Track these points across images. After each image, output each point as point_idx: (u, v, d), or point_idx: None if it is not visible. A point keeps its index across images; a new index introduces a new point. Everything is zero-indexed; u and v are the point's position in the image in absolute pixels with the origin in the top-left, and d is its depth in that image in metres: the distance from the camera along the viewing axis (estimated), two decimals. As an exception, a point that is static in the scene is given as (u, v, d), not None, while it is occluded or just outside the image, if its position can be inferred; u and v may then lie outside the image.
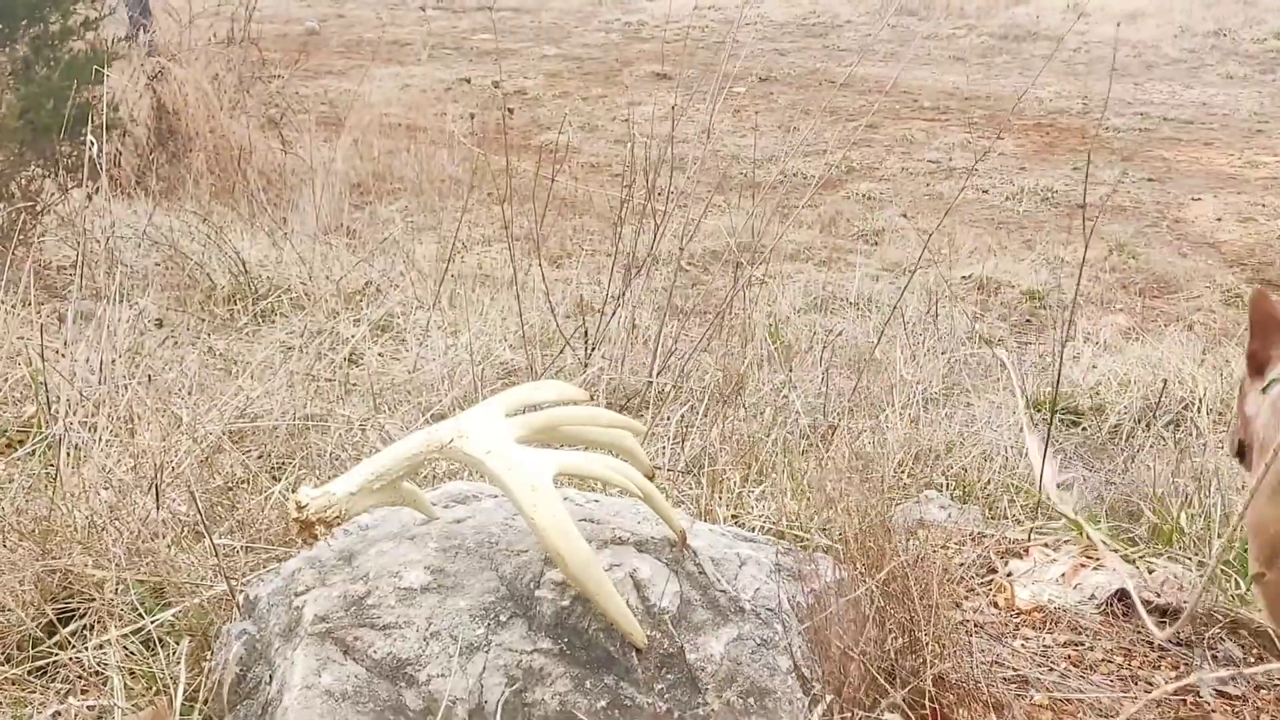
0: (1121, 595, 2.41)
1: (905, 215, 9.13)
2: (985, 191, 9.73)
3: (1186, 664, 2.21)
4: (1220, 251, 8.53)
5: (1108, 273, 8.31)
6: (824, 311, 7.09)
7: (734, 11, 14.08)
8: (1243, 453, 1.99)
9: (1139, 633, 2.30)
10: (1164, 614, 2.38)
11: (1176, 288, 7.92)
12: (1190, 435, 3.77)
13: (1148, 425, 4.03)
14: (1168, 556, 2.60)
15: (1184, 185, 9.52)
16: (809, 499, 2.60)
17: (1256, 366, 1.97)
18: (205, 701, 1.54)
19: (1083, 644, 2.24)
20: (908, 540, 2.46)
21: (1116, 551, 2.60)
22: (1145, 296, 7.91)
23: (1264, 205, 8.96)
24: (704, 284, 7.03)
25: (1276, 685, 2.10)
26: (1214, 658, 2.25)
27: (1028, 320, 7.50)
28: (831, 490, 2.41)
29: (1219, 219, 8.94)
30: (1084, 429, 4.29)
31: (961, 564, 2.56)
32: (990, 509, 2.97)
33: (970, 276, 8.01)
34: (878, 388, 4.34)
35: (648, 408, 3.58)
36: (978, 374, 5.53)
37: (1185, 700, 2.02)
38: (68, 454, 2.23)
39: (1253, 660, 2.22)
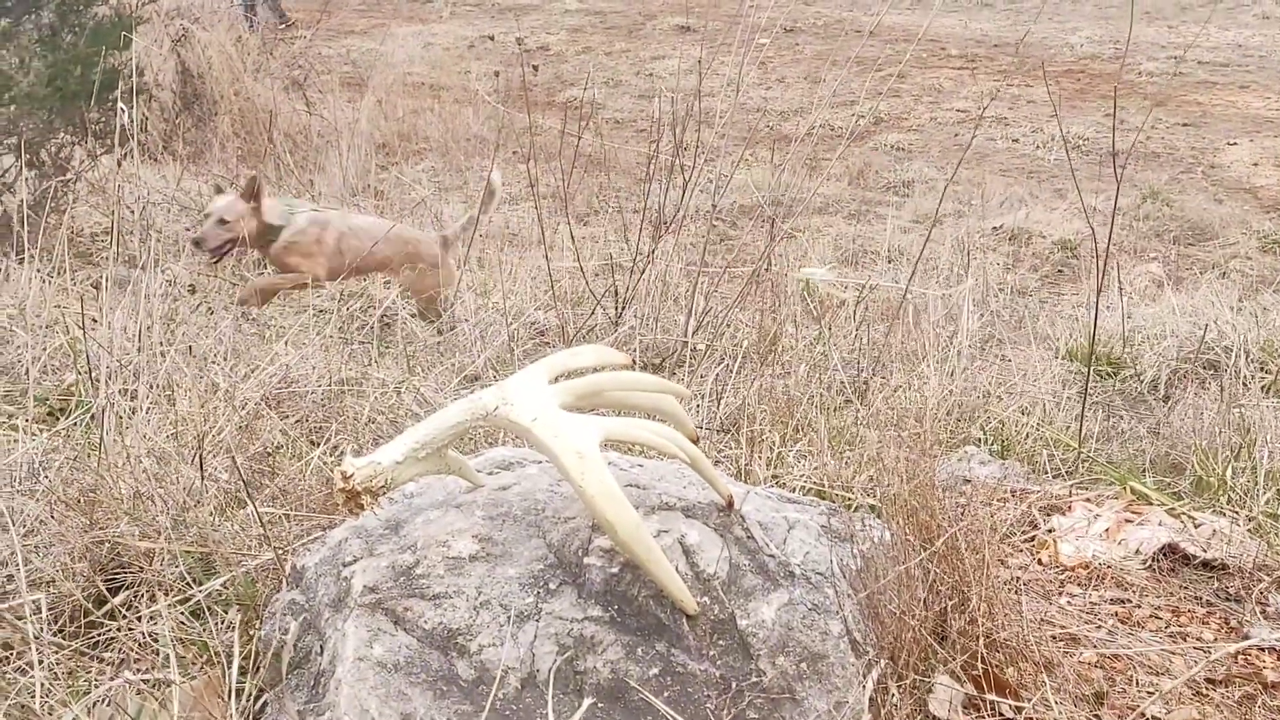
0: (1168, 550, 2.39)
1: (939, 168, 9.02)
2: (1015, 140, 9.61)
3: (1236, 619, 2.19)
4: (1257, 197, 8.38)
5: (1141, 221, 8.19)
6: (855, 265, 7.04)
7: (757, -39, 13.89)
8: None
9: (1186, 588, 2.28)
10: (1210, 568, 2.36)
11: (1212, 235, 7.80)
12: (1233, 385, 3.71)
13: (1185, 375, 3.98)
14: (1213, 510, 2.57)
15: (1219, 130, 9.36)
16: (848, 458, 2.58)
17: None
18: (256, 672, 1.54)
19: (1129, 600, 2.22)
20: (954, 499, 2.45)
21: (1161, 505, 2.58)
22: (1180, 244, 7.80)
23: (1314, 145, 8.80)
24: (733, 239, 6.98)
25: (1330, 641, 2.08)
26: (1264, 613, 2.22)
27: (1060, 270, 7.43)
28: (876, 447, 2.39)
29: (1255, 164, 8.79)
30: (1121, 380, 4.24)
31: (1005, 521, 2.54)
32: (1030, 463, 2.94)
33: (1001, 227, 7.93)
34: (912, 342, 4.30)
35: (682, 367, 3.56)
36: (1011, 325, 5.49)
37: (1237, 658, 2.00)
38: (111, 423, 2.24)
39: (1304, 615, 2.19)
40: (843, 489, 2.38)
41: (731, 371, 3.35)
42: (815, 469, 2.49)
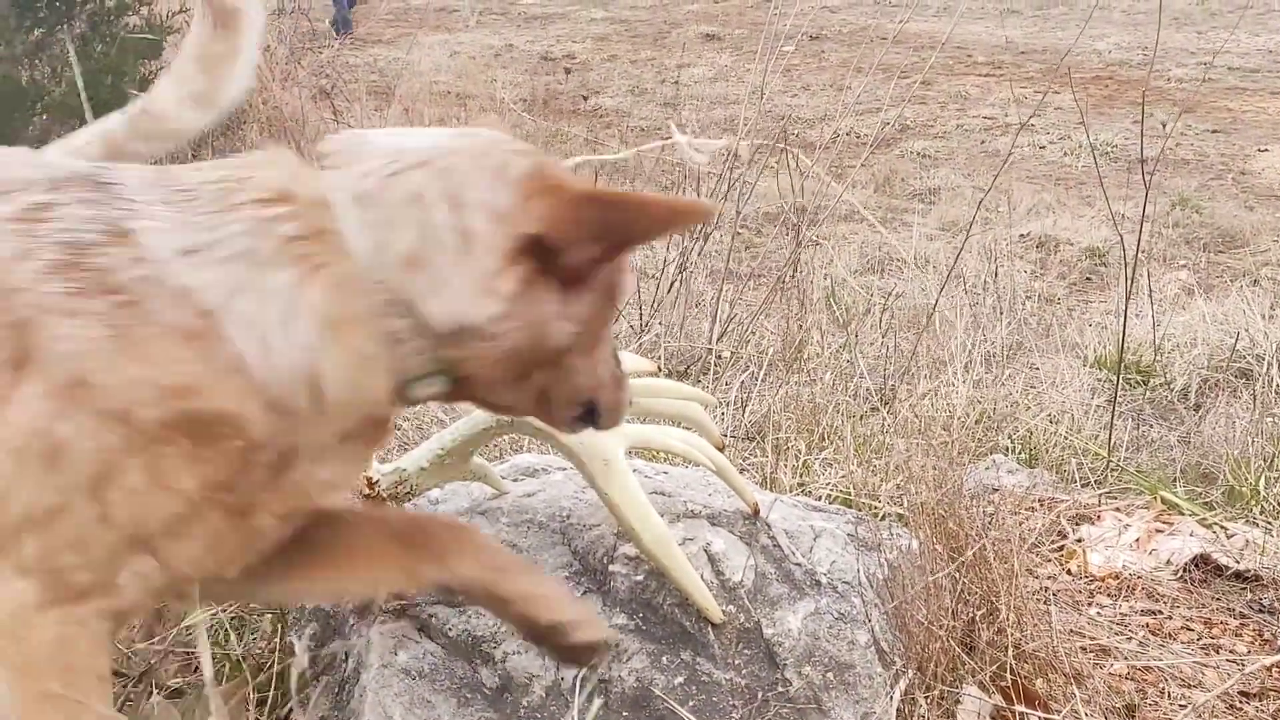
0: (1199, 561, 2.36)
1: (965, 175, 8.98)
2: (1042, 148, 9.54)
3: (1271, 632, 2.15)
4: (1290, 202, 8.30)
5: (1170, 228, 8.11)
6: (881, 273, 7.01)
7: (782, -32, 13.89)
8: None
9: (1219, 600, 2.25)
10: (1243, 579, 2.33)
11: (1243, 242, 7.71)
12: (1265, 393, 3.67)
13: (1216, 384, 3.93)
14: (1246, 520, 2.54)
15: (1250, 136, 9.27)
16: (874, 466, 2.57)
17: None
18: (282, 678, 1.55)
19: (1160, 612, 2.19)
20: (982, 508, 2.43)
21: (1193, 515, 2.55)
22: (1210, 251, 7.72)
23: (1335, 152, 8.70)
24: (757, 247, 6.97)
25: (1365, 654, 2.05)
26: (1302, 627, 2.19)
27: (1088, 278, 7.36)
28: (903, 456, 2.37)
29: (1289, 169, 8.70)
30: (1151, 388, 4.20)
31: (1034, 530, 2.52)
32: (1058, 472, 2.91)
33: (1028, 234, 7.88)
34: (941, 350, 4.28)
35: (707, 374, 3.55)
36: (1039, 333, 5.44)
37: (1271, 671, 1.97)
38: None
39: (1339, 627, 2.16)
40: (869, 497, 2.36)
41: (757, 379, 3.34)
42: (842, 477, 2.48)
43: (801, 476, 2.56)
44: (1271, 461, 2.77)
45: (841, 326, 4.90)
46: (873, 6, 13.66)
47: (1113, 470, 2.87)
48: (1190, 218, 8.15)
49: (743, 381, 3.27)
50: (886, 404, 3.38)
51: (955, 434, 2.94)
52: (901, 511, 2.26)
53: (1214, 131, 9.42)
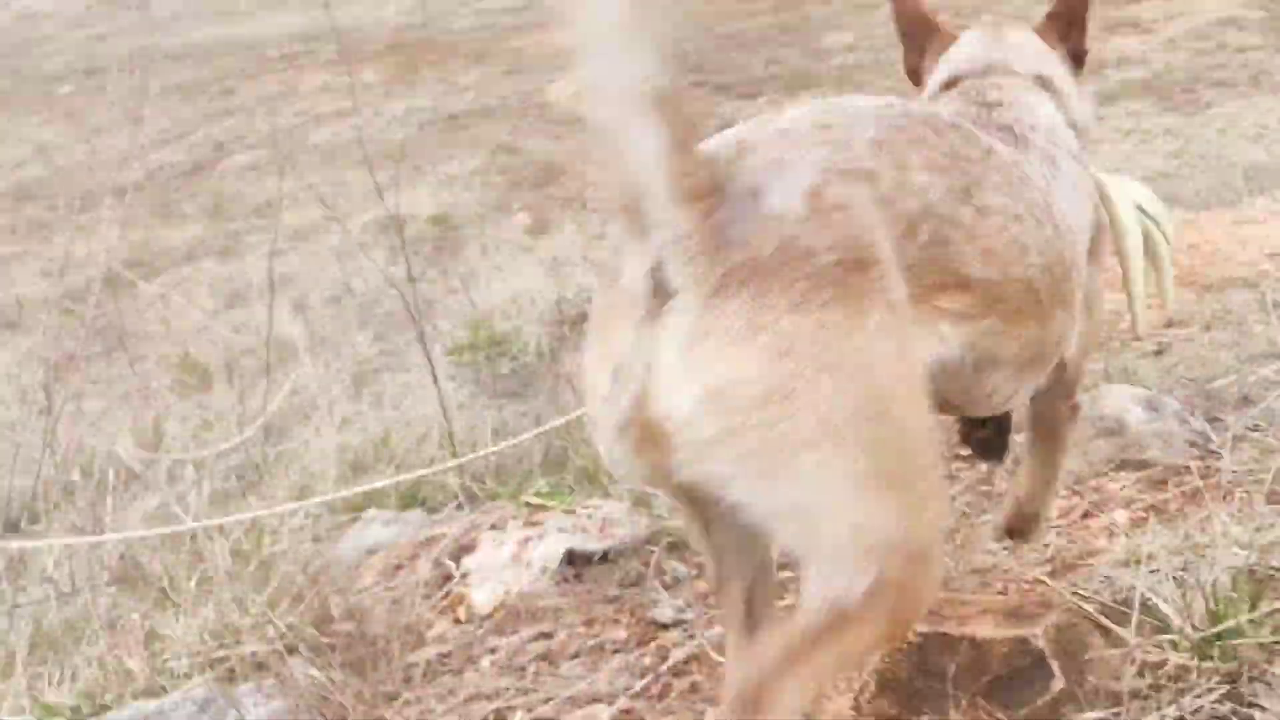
0: (570, 557, 2.42)
1: (298, 177, 8.74)
2: (360, 128, 9.55)
3: (638, 602, 2.26)
4: (587, 123, 9.01)
5: (498, 176, 8.49)
6: (244, 305, 6.65)
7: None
8: None
9: (592, 591, 2.33)
10: (607, 558, 2.42)
11: (562, 172, 8.27)
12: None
13: (562, 340, 4.12)
14: (602, 496, 2.65)
15: (540, 71, 9.90)
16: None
17: (916, 79, 1.90)
18: None
19: (550, 633, 2.21)
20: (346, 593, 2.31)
21: (554, 507, 2.61)
22: (538, 188, 8.21)
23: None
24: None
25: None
26: (664, 584, 2.32)
27: (438, 248, 7.51)
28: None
29: (576, 93, 9.43)
30: (511, 358, 4.30)
31: (417, 585, 2.44)
32: (428, 507, 2.87)
33: (373, 221, 7.86)
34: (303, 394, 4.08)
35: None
36: (407, 330, 5.42)
37: (652, 664, 2.05)
38: None
39: (695, 574, 2.31)
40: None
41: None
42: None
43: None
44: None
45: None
46: (146, 23, 12.78)
47: (476, 481, 2.88)
48: (514, 161, 8.60)
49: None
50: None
51: (316, 511, 2.78)
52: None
53: (508, 73, 9.99)
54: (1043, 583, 1.88)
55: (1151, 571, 1.68)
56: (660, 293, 1.15)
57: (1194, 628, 1.56)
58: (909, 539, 1.16)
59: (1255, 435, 2.19)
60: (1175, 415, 2.24)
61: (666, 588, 2.30)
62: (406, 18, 11.51)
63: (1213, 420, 2.27)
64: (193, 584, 2.19)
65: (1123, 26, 8.47)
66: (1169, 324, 2.86)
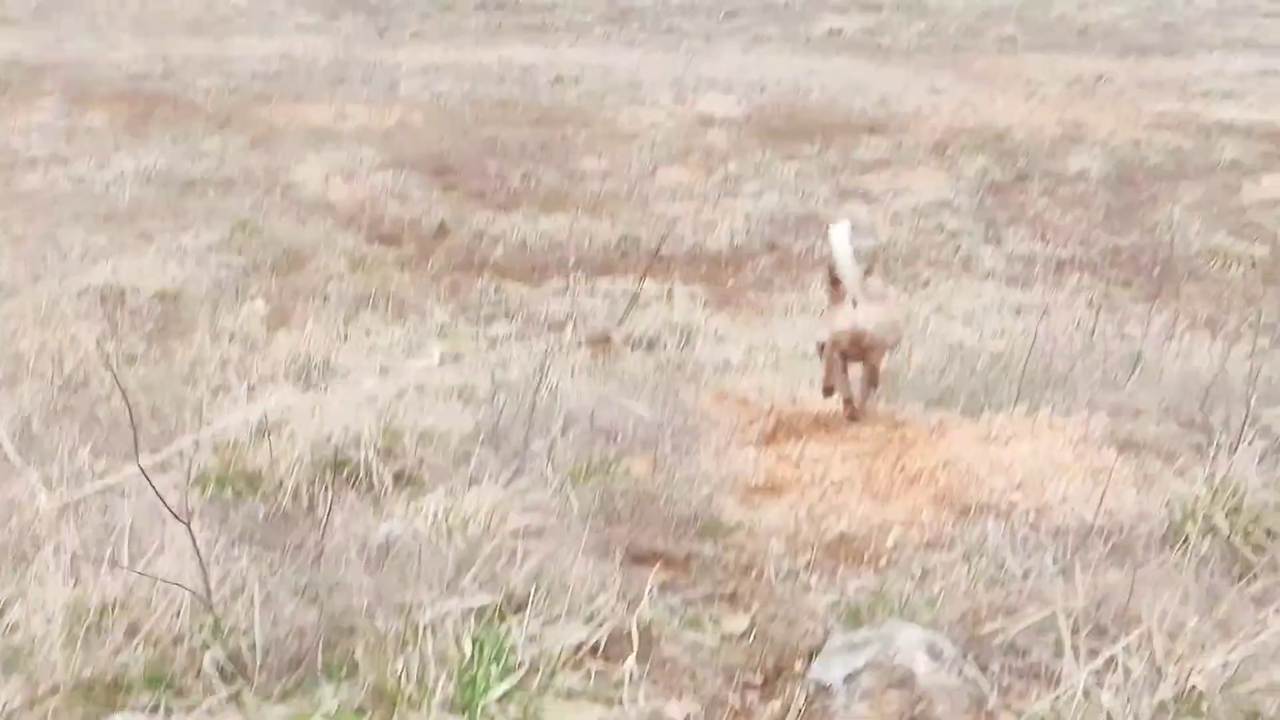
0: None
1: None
2: (81, 180, 8.81)
3: None
4: (335, 212, 8.63)
5: (237, 254, 8.01)
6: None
7: None
8: None
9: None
10: None
11: (307, 258, 7.90)
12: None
13: (330, 486, 3.79)
14: None
15: (288, 146, 9.54)
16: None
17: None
18: None
19: None
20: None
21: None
22: (278, 273, 7.78)
23: (361, 159, 9.27)
24: None
25: None
26: None
27: (163, 328, 6.93)
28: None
29: (327, 177, 9.07)
30: (264, 495, 3.92)
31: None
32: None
33: (90, 288, 7.17)
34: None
35: None
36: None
37: None
38: None
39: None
40: None
41: None
42: None
43: None
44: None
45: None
46: None
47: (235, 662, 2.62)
48: (253, 240, 8.14)
49: None
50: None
51: None
52: None
53: (254, 145, 9.54)
54: None
55: None
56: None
57: None
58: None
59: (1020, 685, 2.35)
60: (954, 664, 2.36)
61: None
62: (145, 65, 10.82)
63: (984, 669, 2.41)
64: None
65: (854, 196, 9.15)
66: (928, 544, 3.05)
